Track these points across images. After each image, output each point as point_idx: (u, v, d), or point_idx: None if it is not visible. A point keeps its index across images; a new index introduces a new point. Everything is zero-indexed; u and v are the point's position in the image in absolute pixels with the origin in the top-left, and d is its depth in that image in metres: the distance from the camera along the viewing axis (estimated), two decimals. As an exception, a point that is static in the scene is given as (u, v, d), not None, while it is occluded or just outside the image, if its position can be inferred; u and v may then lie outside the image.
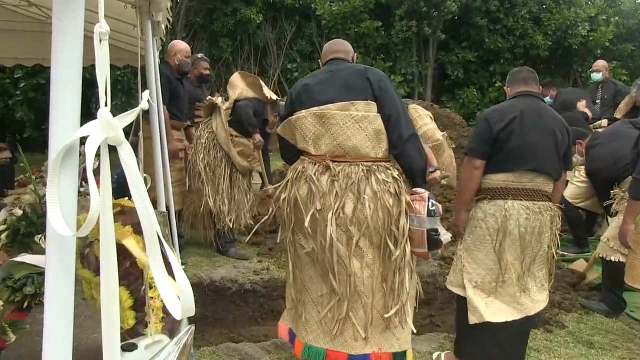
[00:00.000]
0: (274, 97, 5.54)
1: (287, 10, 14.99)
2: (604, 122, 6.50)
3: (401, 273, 2.78)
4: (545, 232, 3.24)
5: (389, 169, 2.81)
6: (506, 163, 3.21)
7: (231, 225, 5.39)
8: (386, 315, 2.79)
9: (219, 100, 5.44)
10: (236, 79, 5.52)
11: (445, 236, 2.82)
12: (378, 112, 2.82)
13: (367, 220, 2.71)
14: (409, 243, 2.75)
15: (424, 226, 2.70)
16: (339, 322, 2.81)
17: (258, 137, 5.35)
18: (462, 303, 3.32)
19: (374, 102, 2.82)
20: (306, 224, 2.76)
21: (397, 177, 2.79)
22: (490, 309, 3.20)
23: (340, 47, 3.16)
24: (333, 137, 2.80)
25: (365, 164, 2.77)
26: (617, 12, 15.40)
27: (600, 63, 7.60)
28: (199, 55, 6.16)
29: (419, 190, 2.79)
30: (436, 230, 2.72)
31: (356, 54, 3.25)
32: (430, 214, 2.70)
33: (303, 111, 2.89)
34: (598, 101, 7.32)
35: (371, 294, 2.78)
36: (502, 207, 3.19)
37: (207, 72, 6.10)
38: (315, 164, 2.84)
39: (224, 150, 5.30)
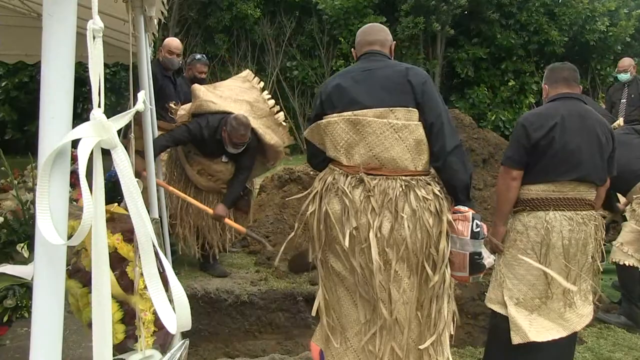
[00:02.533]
0: (266, 96, 5.16)
1: (287, 4, 15.03)
2: (621, 122, 6.43)
3: (439, 300, 2.67)
4: (589, 243, 3.20)
5: (429, 184, 2.69)
6: (547, 172, 3.17)
7: (197, 254, 5.13)
8: (421, 347, 2.69)
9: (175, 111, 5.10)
10: (197, 87, 5.00)
11: (489, 259, 2.67)
12: (419, 120, 2.68)
13: (404, 241, 2.59)
14: (448, 267, 2.64)
15: (466, 249, 2.59)
16: (380, 353, 2.69)
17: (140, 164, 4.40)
18: (501, 320, 3.26)
19: (415, 109, 2.67)
20: (346, 244, 2.61)
21: (438, 193, 2.67)
22: (534, 327, 3.15)
23: (375, 37, 2.95)
24: (368, 146, 2.66)
25: (404, 178, 2.64)
26: (639, 4, 15.41)
27: (627, 61, 7.40)
28: (197, 56, 6.06)
29: (462, 208, 2.67)
30: (479, 254, 2.60)
31: (394, 42, 3.06)
32: (474, 235, 2.58)
33: (335, 115, 2.75)
34: (623, 100, 7.21)
35: (407, 323, 2.67)
36: (543, 219, 3.15)
37: (203, 75, 5.90)
38: (347, 176, 2.71)
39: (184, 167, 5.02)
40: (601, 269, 3.42)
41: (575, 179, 3.16)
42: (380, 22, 13.24)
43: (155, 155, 4.36)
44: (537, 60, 14.85)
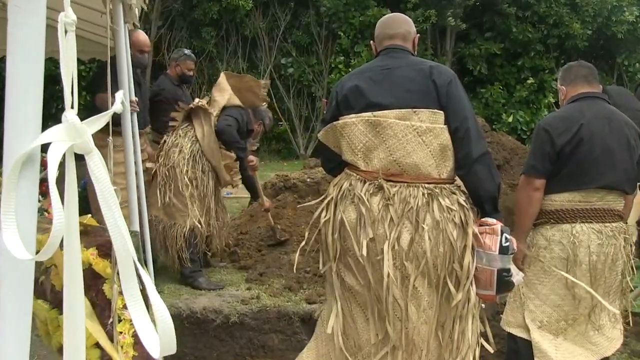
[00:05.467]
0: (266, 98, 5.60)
1: (281, -5, 15.08)
2: None
3: (462, 321, 2.68)
4: (619, 259, 3.20)
5: (454, 193, 2.72)
6: (573, 181, 3.17)
7: (217, 249, 5.45)
8: None
9: (206, 103, 5.39)
10: (224, 80, 5.51)
11: (517, 276, 2.69)
12: (445, 123, 2.71)
13: (425, 254, 2.61)
14: (473, 285, 2.66)
15: (493, 265, 2.60)
16: None
17: (252, 157, 5.51)
18: (522, 345, 3.25)
19: (440, 111, 2.70)
20: (363, 252, 2.63)
21: (463, 203, 2.70)
22: (560, 353, 3.14)
23: (396, 30, 2.98)
24: (389, 151, 2.68)
25: (427, 186, 2.67)
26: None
27: None
28: (186, 52, 6.10)
29: (490, 220, 2.68)
30: (508, 270, 2.61)
31: (418, 35, 3.08)
32: (503, 250, 2.59)
33: (352, 116, 2.79)
34: None
35: (425, 344, 2.68)
36: (569, 233, 3.15)
37: (191, 72, 6.05)
38: (365, 182, 2.73)
39: (211, 163, 5.30)
40: (631, 287, 3.41)
41: (603, 187, 3.16)
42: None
43: (244, 148, 5.38)
44: (557, 56, 14.87)
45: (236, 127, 5.30)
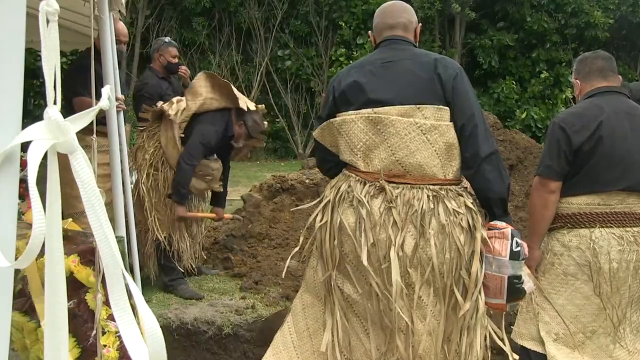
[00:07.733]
0: (252, 106, 5.30)
1: (277, -18, 15.07)
2: None
3: (470, 333, 2.67)
4: None
5: (461, 195, 2.70)
6: (591, 182, 3.16)
7: (192, 264, 5.41)
8: None
9: (172, 108, 5.12)
10: (199, 83, 5.30)
11: (529, 283, 2.68)
12: (450, 120, 2.70)
13: (430, 261, 2.59)
14: (482, 293, 2.64)
15: (503, 271, 2.59)
16: None
17: (181, 210, 5.14)
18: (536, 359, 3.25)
19: (446, 107, 2.69)
20: (364, 261, 2.60)
21: (470, 205, 2.69)
22: None
23: (397, 20, 2.94)
24: (390, 150, 2.67)
25: (431, 187, 2.66)
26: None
27: None
28: (166, 39, 6.05)
29: (499, 224, 2.67)
30: (519, 277, 2.61)
31: (420, 24, 3.06)
32: (513, 255, 2.59)
33: (351, 112, 2.77)
34: None
35: (430, 358, 2.66)
36: (587, 238, 3.14)
37: (176, 59, 5.88)
38: (365, 184, 2.72)
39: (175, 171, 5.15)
40: None
41: (624, 189, 3.14)
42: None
43: (184, 196, 5.13)
44: (575, 48, 14.84)
45: (203, 154, 5.15)
